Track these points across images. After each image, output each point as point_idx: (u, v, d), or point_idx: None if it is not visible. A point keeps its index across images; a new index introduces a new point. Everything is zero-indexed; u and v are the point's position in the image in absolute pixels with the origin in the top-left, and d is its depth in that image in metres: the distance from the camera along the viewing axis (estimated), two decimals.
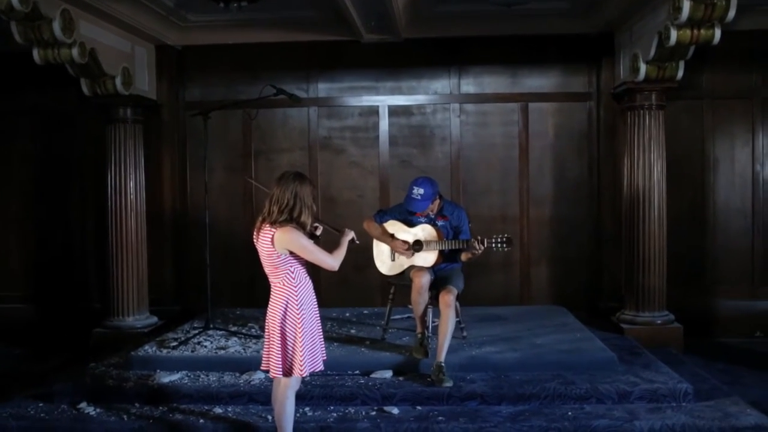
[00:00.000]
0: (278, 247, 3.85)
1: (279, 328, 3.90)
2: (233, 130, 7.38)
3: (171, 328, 6.32)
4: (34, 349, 6.69)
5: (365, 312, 6.80)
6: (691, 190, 7.03)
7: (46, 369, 5.86)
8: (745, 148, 7.04)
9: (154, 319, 6.84)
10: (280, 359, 3.89)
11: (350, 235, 4.19)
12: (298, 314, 3.89)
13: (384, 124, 7.33)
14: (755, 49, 6.87)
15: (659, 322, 6.32)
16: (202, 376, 5.15)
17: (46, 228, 7.43)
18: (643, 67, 6.05)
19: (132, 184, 6.62)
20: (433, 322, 5.45)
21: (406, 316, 6.20)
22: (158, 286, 7.19)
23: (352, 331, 6.04)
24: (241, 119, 7.31)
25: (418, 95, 7.33)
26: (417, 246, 5.31)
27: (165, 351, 5.47)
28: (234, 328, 6.09)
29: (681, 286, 6.82)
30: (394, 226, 5.44)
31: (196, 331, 5.91)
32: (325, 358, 4.12)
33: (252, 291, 7.26)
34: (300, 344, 3.87)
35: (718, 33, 5.40)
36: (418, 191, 5.18)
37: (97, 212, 7.19)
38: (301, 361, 3.86)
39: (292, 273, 3.91)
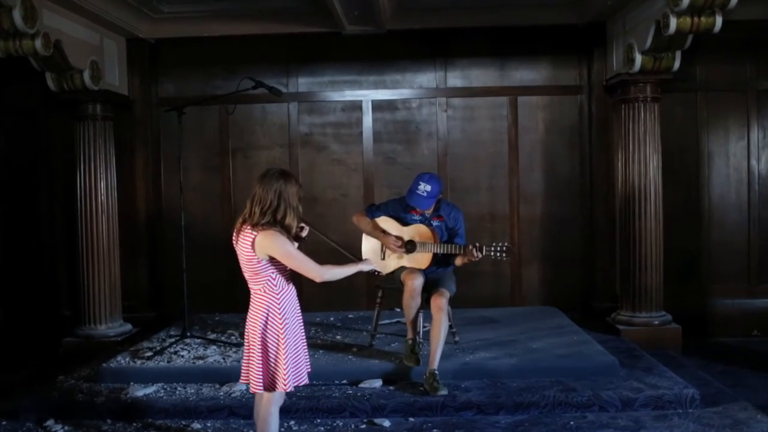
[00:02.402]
0: (259, 253, 3.53)
1: (260, 339, 3.58)
2: (209, 127, 7.04)
3: (146, 337, 6.00)
4: (1, 359, 6.29)
5: (350, 316, 6.53)
6: (685, 185, 6.81)
7: (12, 381, 5.47)
8: (740, 141, 6.84)
9: (128, 326, 6.48)
10: (261, 373, 3.57)
11: (369, 266, 3.90)
12: (280, 324, 3.57)
13: (367, 119, 7.03)
14: (749, 39, 6.65)
15: (657, 322, 6.10)
16: (179, 388, 4.84)
17: (12, 231, 7.03)
18: (638, 58, 5.82)
19: (103, 184, 6.25)
20: (424, 326, 5.18)
21: (394, 320, 5.93)
22: (132, 291, 6.84)
23: (338, 337, 5.76)
24: (217, 115, 6.98)
25: (402, 89, 7.04)
26: (410, 246, 5.04)
27: (139, 362, 5.15)
28: (213, 336, 5.78)
29: (676, 284, 6.60)
30: (385, 224, 5.17)
31: (173, 340, 5.58)
32: (309, 370, 3.82)
33: (231, 295, 6.92)
34: (283, 356, 3.56)
35: (719, 21, 5.17)
36: (425, 188, 4.89)
37: (66, 214, 6.81)
38: (284, 374, 3.55)
39: (274, 279, 3.59)
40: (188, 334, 5.61)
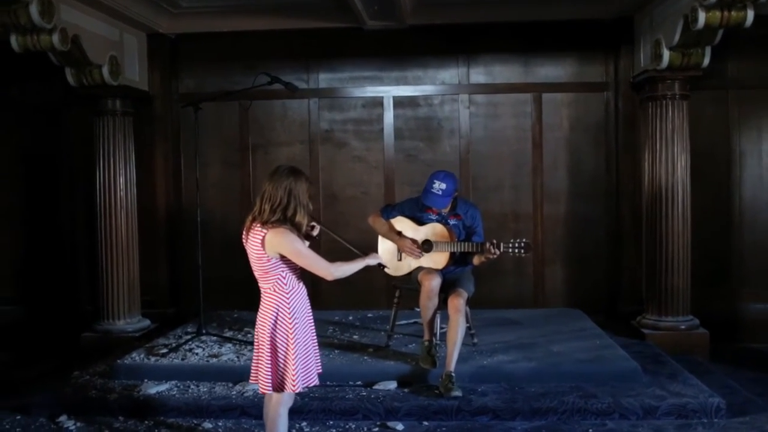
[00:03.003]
0: (269, 250, 3.47)
1: (269, 339, 3.51)
2: (229, 123, 7.00)
3: (163, 333, 5.98)
4: (21, 353, 6.32)
5: (370, 315, 6.44)
6: (715, 185, 6.59)
7: (30, 376, 5.49)
8: None
9: (147, 322, 6.48)
10: (270, 373, 3.51)
11: (375, 260, 3.80)
12: (290, 324, 3.51)
13: (389, 116, 6.93)
14: None
15: (683, 327, 5.91)
16: (192, 386, 4.80)
17: (35, 226, 7.07)
18: (666, 54, 5.63)
19: (122, 180, 6.25)
20: (441, 327, 5.07)
21: (412, 321, 5.83)
22: (152, 287, 6.83)
23: (355, 337, 5.67)
24: (237, 111, 6.94)
25: (424, 85, 6.92)
26: (426, 246, 4.93)
27: (153, 359, 5.12)
28: (229, 333, 5.74)
29: (704, 287, 6.38)
30: (401, 224, 5.08)
31: (188, 337, 5.55)
32: (320, 371, 3.73)
33: (251, 292, 6.78)
34: (292, 357, 3.49)
35: (750, 15, 4.96)
36: (440, 186, 4.77)
37: (87, 210, 6.80)
38: (293, 375, 3.48)
39: (284, 278, 3.52)
40: (203, 331, 5.57)
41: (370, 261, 3.77)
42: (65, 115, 6.97)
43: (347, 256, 3.78)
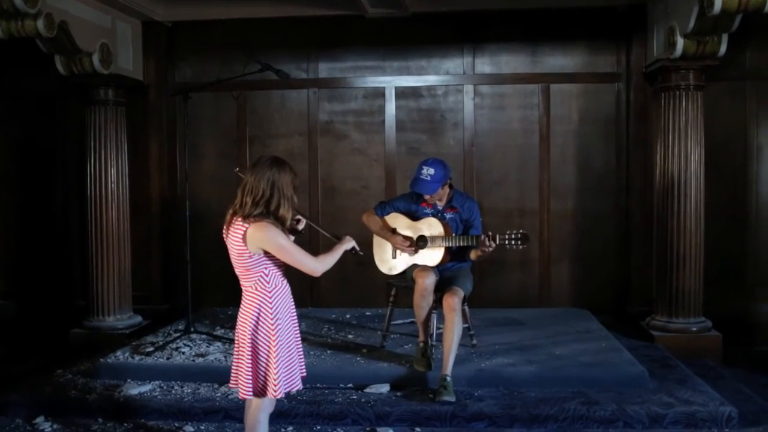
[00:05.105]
0: (251, 246, 3.25)
1: (250, 341, 3.30)
2: (226, 113, 6.78)
3: (154, 330, 5.79)
4: (8, 350, 6.14)
5: (368, 314, 6.23)
6: (730, 180, 6.29)
7: (13, 374, 5.29)
8: None
9: (138, 318, 6.29)
10: (250, 377, 3.29)
11: (350, 243, 3.57)
12: (272, 324, 3.29)
13: (390, 107, 6.69)
14: None
15: (695, 329, 5.64)
16: (176, 387, 4.61)
17: (28, 219, 6.90)
18: (680, 42, 5.35)
19: (113, 171, 6.06)
20: (438, 328, 4.84)
21: (409, 320, 5.56)
22: (146, 282, 6.65)
23: (350, 337, 5.46)
24: (234, 102, 6.69)
25: (428, 76, 6.67)
26: (421, 242, 4.71)
27: (138, 358, 4.93)
28: (220, 332, 5.54)
29: (718, 287, 6.09)
30: (397, 220, 4.87)
31: (177, 335, 5.35)
32: (304, 374, 3.51)
33: None
34: (274, 360, 3.27)
35: None
36: (428, 171, 4.58)
37: (81, 202, 6.60)
38: (275, 379, 3.26)
39: (267, 276, 3.31)
40: (192, 329, 5.37)
41: (346, 246, 3.55)
42: (60, 105, 6.79)
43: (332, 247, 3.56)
